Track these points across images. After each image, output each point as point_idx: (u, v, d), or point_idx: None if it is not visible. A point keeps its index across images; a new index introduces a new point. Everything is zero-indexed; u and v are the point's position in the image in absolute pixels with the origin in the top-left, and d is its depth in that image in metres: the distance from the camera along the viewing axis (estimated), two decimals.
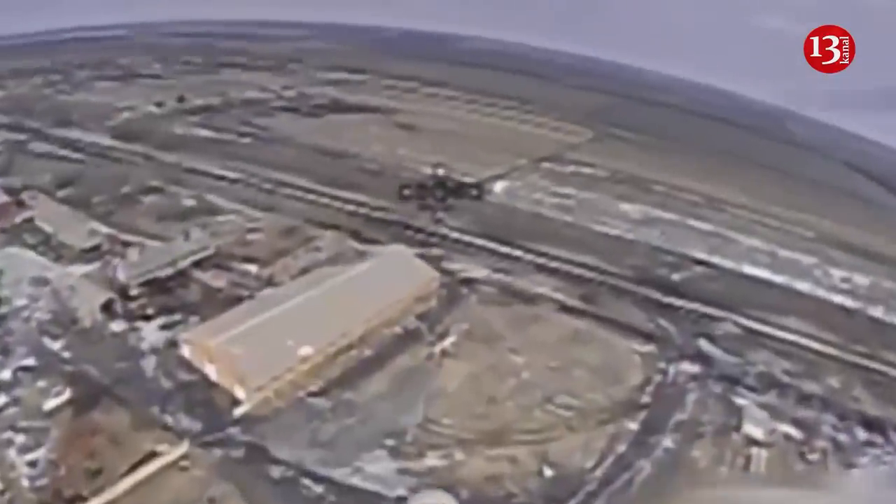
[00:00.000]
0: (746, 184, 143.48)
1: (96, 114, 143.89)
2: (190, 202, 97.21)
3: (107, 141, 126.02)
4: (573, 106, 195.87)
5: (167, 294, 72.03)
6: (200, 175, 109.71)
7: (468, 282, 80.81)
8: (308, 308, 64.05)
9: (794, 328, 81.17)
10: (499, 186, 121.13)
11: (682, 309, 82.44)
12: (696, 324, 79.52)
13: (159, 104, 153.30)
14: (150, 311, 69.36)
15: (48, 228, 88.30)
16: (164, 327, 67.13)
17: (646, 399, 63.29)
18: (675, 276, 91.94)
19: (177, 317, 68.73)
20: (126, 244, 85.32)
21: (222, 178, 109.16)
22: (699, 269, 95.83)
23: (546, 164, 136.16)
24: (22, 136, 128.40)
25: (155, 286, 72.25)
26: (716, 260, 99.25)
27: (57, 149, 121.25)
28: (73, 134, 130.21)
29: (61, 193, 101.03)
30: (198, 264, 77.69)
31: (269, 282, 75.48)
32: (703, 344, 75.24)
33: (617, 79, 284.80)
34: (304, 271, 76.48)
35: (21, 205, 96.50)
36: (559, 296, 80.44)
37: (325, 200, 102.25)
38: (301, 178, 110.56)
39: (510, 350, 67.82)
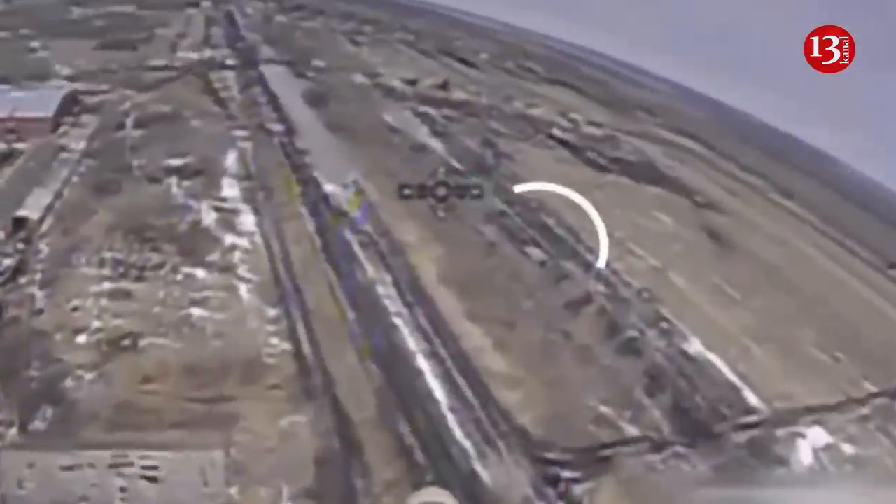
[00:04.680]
0: None
1: (336, 67, 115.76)
2: (211, 218, 52.20)
3: (289, 100, 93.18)
4: None
5: None
6: (299, 179, 64.75)
7: None
8: None
9: None
10: (809, 441, 42.87)
11: None
12: None
13: (411, 82, 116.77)
14: None
15: None
16: None
17: None
18: None
19: None
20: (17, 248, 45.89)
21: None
22: None
23: None
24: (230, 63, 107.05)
25: None
26: None
27: (238, 92, 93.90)
28: (279, 85, 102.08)
29: (94, 143, 68.27)
30: None
31: None
32: None
33: None
34: None
35: (56, 129, 67.59)
36: None
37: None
38: (425, 267, 54.51)
39: None
